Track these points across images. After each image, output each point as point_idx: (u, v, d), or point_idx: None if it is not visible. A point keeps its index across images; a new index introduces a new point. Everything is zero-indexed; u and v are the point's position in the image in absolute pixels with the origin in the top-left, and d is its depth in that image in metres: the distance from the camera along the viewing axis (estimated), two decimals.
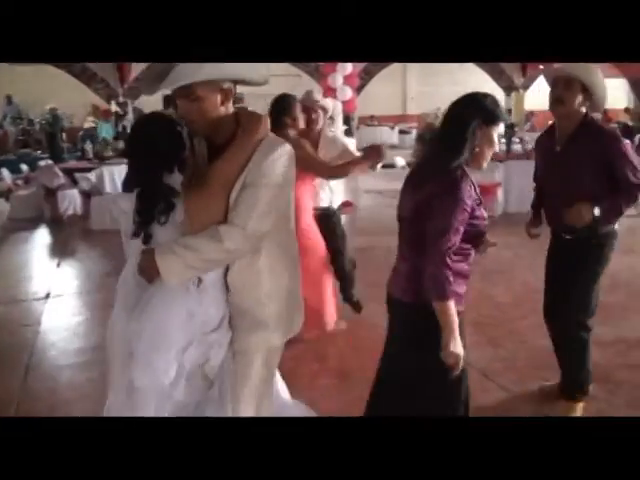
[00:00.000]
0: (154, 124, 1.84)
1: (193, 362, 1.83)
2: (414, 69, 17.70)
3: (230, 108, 1.81)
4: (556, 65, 2.63)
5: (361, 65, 10.68)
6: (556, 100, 2.54)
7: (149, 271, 1.70)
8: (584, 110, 2.54)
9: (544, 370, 3.33)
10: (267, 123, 1.83)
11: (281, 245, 1.89)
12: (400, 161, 8.18)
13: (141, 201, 1.77)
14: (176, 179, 1.78)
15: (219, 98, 1.76)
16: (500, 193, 7.58)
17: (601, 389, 2.97)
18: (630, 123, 11.75)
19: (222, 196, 1.73)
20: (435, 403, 1.99)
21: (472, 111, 1.91)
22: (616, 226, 2.62)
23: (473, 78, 14.24)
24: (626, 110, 13.30)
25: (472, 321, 4.11)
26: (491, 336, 3.86)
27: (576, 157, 2.51)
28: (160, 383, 1.76)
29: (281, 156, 1.76)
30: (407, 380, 2.03)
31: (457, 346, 1.89)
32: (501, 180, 7.60)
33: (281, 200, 1.80)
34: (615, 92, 15.56)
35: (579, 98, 2.49)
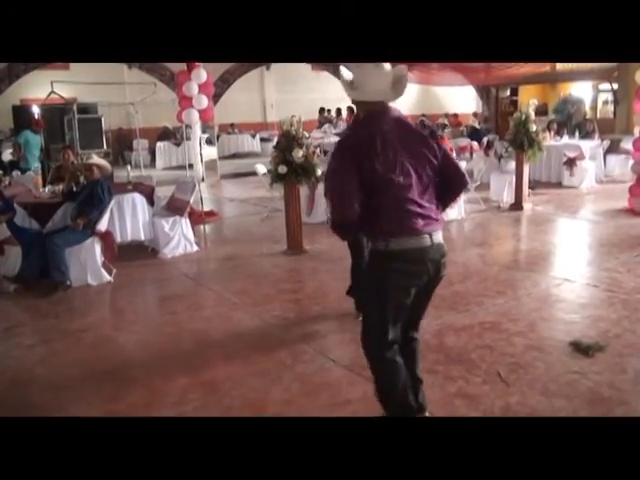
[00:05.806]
0: None
1: None
2: (272, 77, 17.87)
3: None
4: None
5: (217, 73, 10.64)
6: None
7: None
8: None
9: None
10: None
11: None
12: (261, 169, 8.19)
13: None
14: None
15: None
16: None
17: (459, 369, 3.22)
18: (478, 126, 12.83)
19: None
20: None
21: None
22: None
23: (330, 87, 14.73)
24: (474, 114, 14.55)
25: (335, 315, 4.27)
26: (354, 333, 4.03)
27: None
28: None
29: None
30: None
31: None
32: None
33: None
34: (465, 99, 17.14)
35: None
